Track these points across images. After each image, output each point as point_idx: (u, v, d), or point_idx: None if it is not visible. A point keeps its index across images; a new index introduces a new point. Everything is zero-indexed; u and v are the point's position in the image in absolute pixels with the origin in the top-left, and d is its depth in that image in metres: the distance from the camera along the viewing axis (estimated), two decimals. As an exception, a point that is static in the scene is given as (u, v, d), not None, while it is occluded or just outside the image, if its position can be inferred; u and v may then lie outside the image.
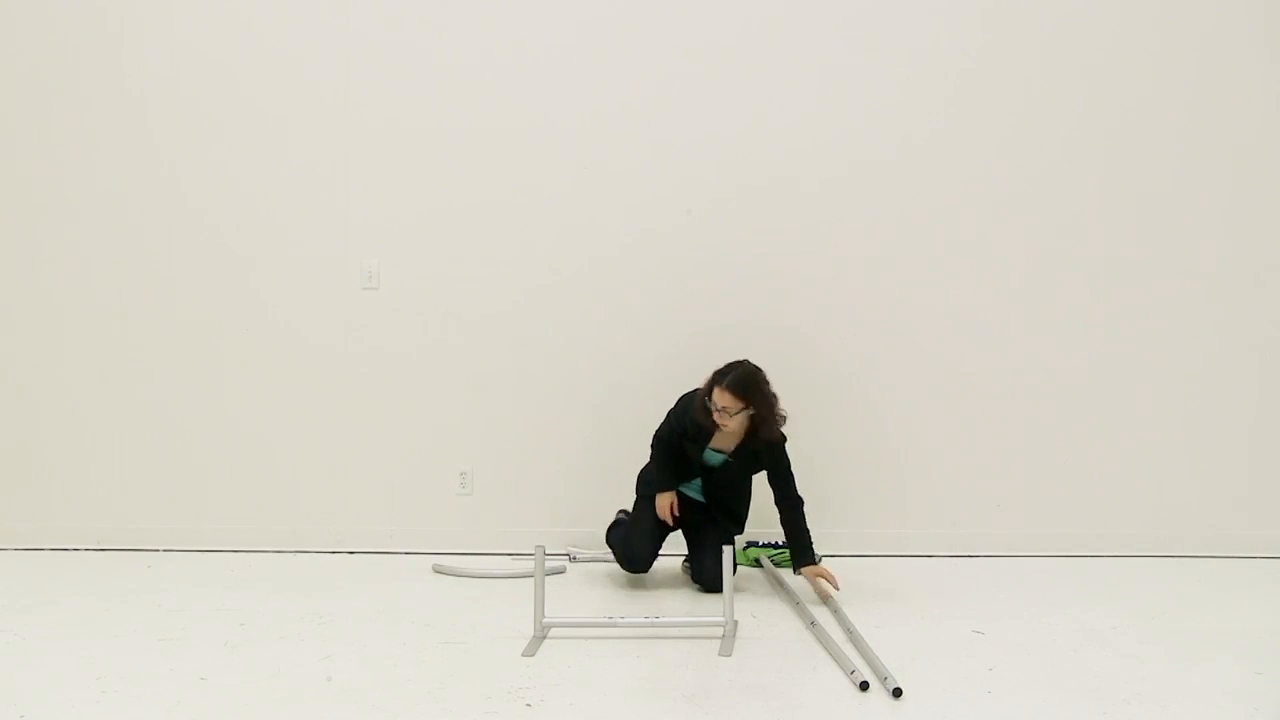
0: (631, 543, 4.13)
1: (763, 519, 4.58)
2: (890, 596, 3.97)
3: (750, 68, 4.67)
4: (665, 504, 4.09)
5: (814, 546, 3.98)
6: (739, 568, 4.27)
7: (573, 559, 4.48)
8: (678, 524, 4.17)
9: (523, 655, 3.26)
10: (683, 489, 4.19)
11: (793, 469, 4.04)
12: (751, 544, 4.53)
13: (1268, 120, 4.64)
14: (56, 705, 2.89)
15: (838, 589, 3.86)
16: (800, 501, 4.02)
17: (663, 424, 4.16)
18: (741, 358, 4.02)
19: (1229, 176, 4.64)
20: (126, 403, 4.78)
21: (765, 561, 4.40)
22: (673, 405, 4.16)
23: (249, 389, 4.76)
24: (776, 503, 4.05)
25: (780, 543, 4.50)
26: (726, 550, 3.53)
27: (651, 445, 4.18)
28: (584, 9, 4.69)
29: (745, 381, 3.90)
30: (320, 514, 4.74)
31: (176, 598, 3.95)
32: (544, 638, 3.41)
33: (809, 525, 4.01)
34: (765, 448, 4.01)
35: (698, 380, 4.51)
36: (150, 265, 4.78)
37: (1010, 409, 4.67)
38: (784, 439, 4.03)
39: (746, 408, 3.89)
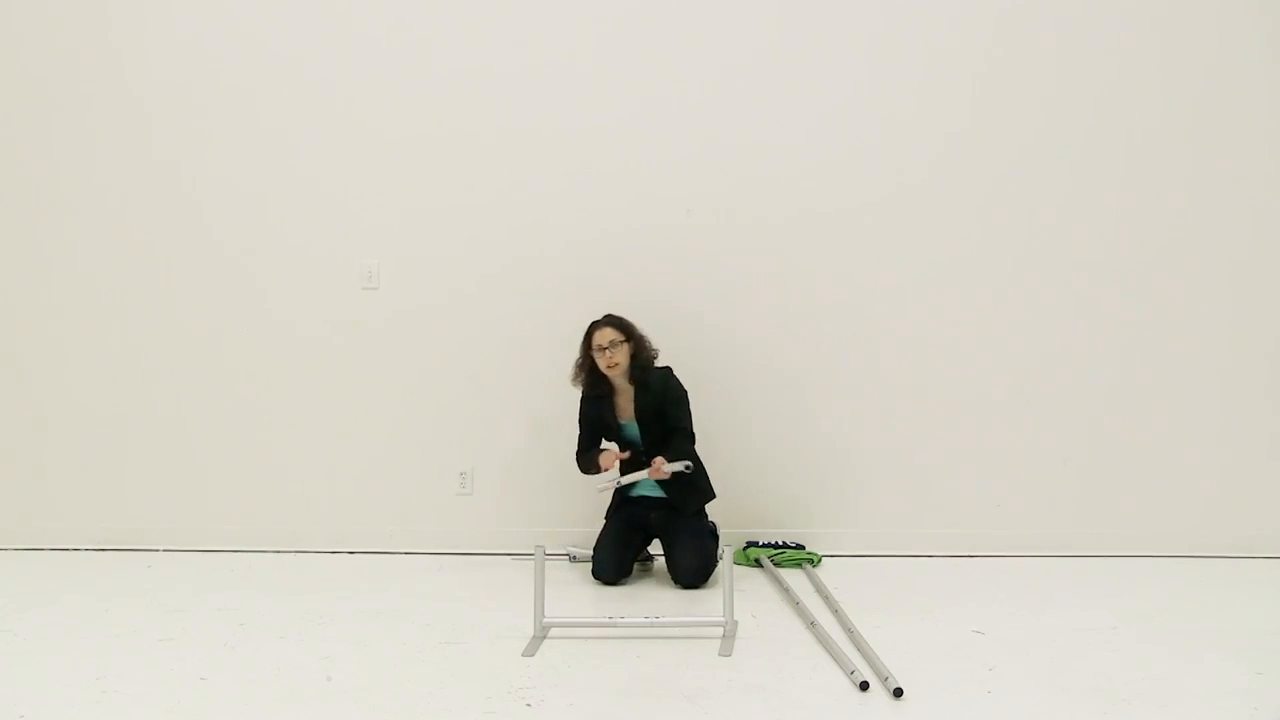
0: (598, 555, 4.18)
1: (762, 519, 4.59)
2: (890, 596, 3.96)
3: (754, 76, 4.68)
4: (610, 456, 4.16)
5: (677, 466, 4.07)
6: (738, 568, 4.28)
7: (573, 559, 4.48)
8: (648, 532, 4.26)
9: (523, 655, 3.26)
10: (639, 490, 4.24)
11: (690, 406, 4.22)
12: (751, 544, 4.53)
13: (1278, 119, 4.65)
14: (56, 705, 2.89)
15: (660, 473, 4.04)
16: (683, 433, 4.17)
17: (576, 449, 4.33)
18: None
19: (1237, 178, 4.64)
20: (127, 403, 4.78)
21: (765, 561, 4.40)
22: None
23: (249, 389, 4.77)
24: (666, 431, 4.19)
25: (780, 542, 4.52)
26: (727, 550, 3.53)
27: (580, 469, 4.29)
28: (587, 13, 4.69)
29: (620, 317, 4.22)
30: (320, 514, 4.74)
31: (176, 598, 3.95)
32: (544, 638, 3.41)
33: (683, 452, 4.14)
34: (657, 381, 4.18)
35: (700, 380, 4.51)
36: (150, 265, 4.78)
37: (1010, 409, 4.67)
38: (669, 370, 4.24)
39: (626, 339, 4.17)
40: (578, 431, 4.34)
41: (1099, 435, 4.67)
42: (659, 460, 4.06)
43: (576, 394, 4.64)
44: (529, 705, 2.86)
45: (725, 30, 4.68)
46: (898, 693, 2.90)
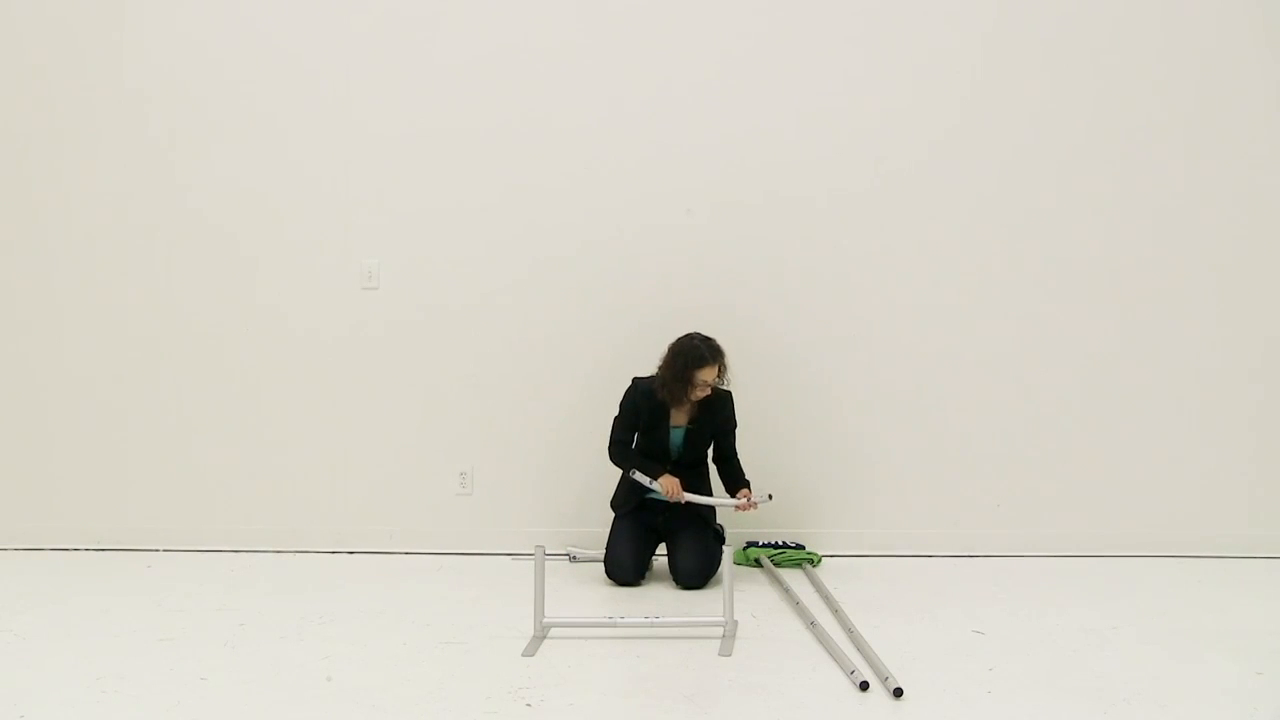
0: (615, 555, 4.15)
1: (762, 518, 4.59)
2: (890, 596, 3.97)
3: (752, 71, 4.67)
4: (673, 484, 4.10)
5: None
6: (739, 568, 4.28)
7: (573, 559, 4.48)
8: (657, 533, 4.24)
9: (523, 655, 3.26)
10: (653, 495, 4.20)
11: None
12: (751, 544, 4.53)
13: (1273, 119, 4.63)
14: (56, 705, 2.89)
15: (752, 504, 4.14)
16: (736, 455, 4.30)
17: (612, 435, 4.24)
18: (687, 333, 4.17)
19: (1233, 177, 4.63)
20: (127, 403, 4.78)
21: (765, 561, 4.40)
22: (617, 414, 4.24)
23: (249, 389, 4.76)
24: (717, 459, 4.28)
25: (780, 542, 4.52)
26: (727, 550, 3.53)
27: (614, 459, 4.22)
28: (585, 10, 4.69)
29: (723, 351, 4.13)
30: (320, 514, 4.74)
31: (176, 598, 3.95)
32: (544, 638, 3.41)
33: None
34: (722, 406, 4.20)
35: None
36: (150, 264, 4.78)
37: (1011, 409, 4.66)
38: (731, 395, 4.26)
39: (721, 374, 4.14)
40: (617, 414, 4.23)
41: (1099, 435, 4.66)
42: (748, 497, 4.16)
43: (577, 393, 4.66)
44: (529, 705, 2.86)
45: (731, 25, 4.68)
46: (898, 693, 2.90)
